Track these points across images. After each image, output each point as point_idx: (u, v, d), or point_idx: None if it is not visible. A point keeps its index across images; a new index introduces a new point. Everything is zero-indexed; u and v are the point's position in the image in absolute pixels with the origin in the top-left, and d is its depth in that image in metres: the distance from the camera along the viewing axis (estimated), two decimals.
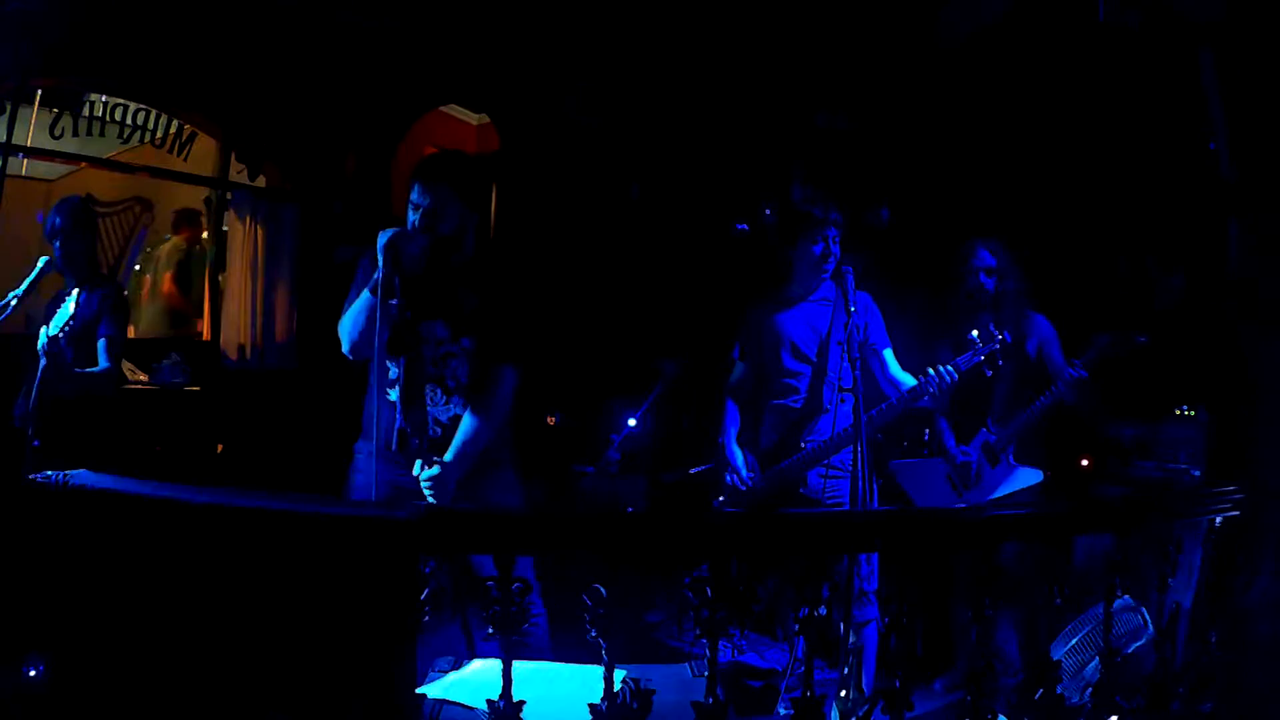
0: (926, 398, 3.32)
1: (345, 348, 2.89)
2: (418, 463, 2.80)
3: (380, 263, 2.66)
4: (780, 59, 5.61)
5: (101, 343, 3.76)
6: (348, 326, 2.87)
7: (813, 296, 3.56)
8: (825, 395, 3.46)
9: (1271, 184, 2.78)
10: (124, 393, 4.03)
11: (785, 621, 3.86)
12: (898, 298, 3.72)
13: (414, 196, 2.85)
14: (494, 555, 1.73)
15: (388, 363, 2.84)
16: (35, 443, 3.48)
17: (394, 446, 2.76)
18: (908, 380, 3.42)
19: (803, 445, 3.46)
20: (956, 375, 3.31)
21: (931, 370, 3.31)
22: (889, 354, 3.52)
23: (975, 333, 3.40)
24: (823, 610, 1.83)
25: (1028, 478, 3.69)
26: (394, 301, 2.68)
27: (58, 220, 3.80)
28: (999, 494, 3.69)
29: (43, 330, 3.46)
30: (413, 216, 2.83)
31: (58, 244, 3.80)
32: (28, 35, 4.94)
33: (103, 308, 3.78)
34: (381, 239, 2.67)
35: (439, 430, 2.87)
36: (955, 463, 3.79)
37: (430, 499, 2.77)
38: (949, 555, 3.06)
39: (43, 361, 3.45)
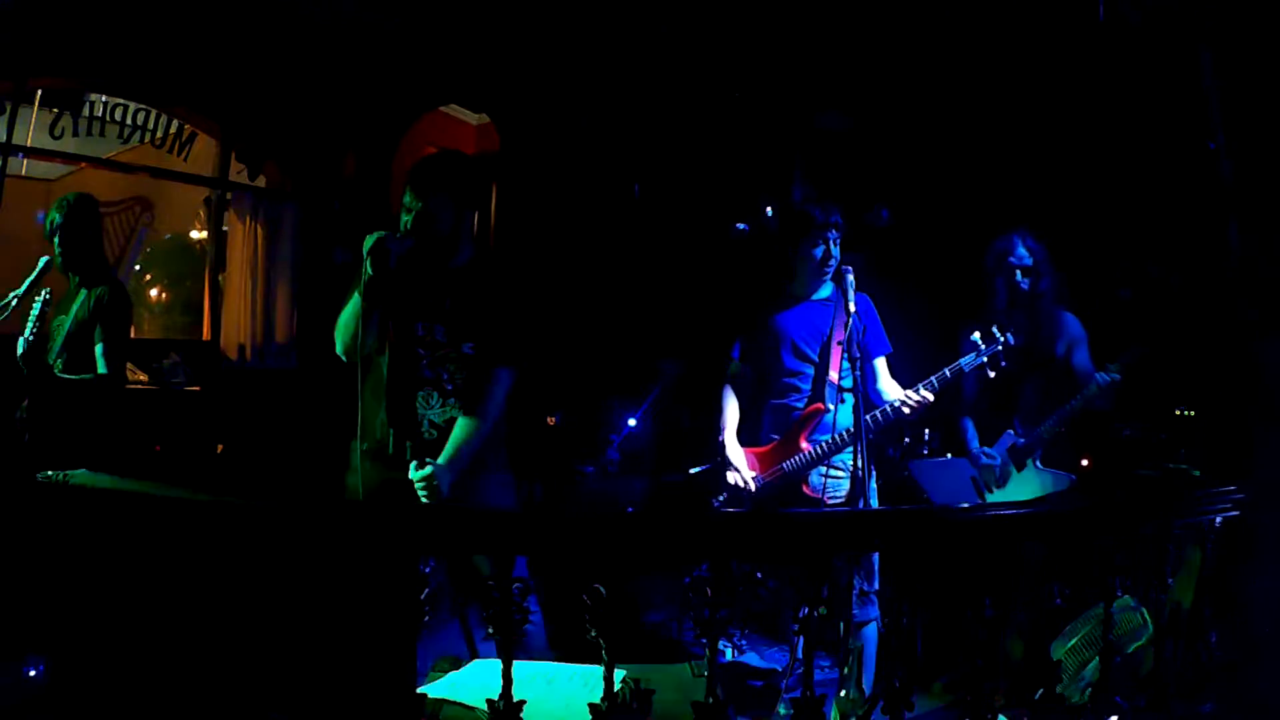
0: (914, 411, 3.31)
1: (339, 349, 2.90)
2: (413, 464, 2.79)
3: (367, 266, 2.66)
4: (780, 58, 5.61)
5: (98, 348, 3.65)
6: (340, 329, 2.88)
7: (815, 297, 3.55)
8: (827, 395, 3.45)
9: (1271, 183, 2.78)
10: (124, 393, 3.99)
11: (785, 621, 3.86)
12: (896, 298, 3.72)
13: (407, 200, 2.86)
14: (493, 555, 1.73)
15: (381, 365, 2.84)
16: (25, 438, 3.50)
17: (390, 449, 2.75)
18: (897, 391, 3.42)
19: (804, 446, 3.45)
20: (944, 383, 3.30)
21: (922, 390, 3.30)
22: (881, 362, 3.52)
23: (977, 334, 3.35)
24: (822, 610, 1.83)
25: (1056, 483, 3.59)
26: (381, 304, 2.68)
27: (56, 217, 3.73)
28: (1026, 499, 3.59)
29: (20, 339, 3.45)
30: (406, 219, 2.84)
31: (56, 241, 3.74)
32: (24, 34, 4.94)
33: (99, 309, 3.68)
34: (367, 243, 2.68)
35: (434, 433, 2.87)
36: (979, 464, 3.73)
37: (423, 499, 2.77)
38: (949, 555, 3.05)
39: (24, 369, 3.46)
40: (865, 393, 3.46)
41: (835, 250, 3.46)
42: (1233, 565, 2.38)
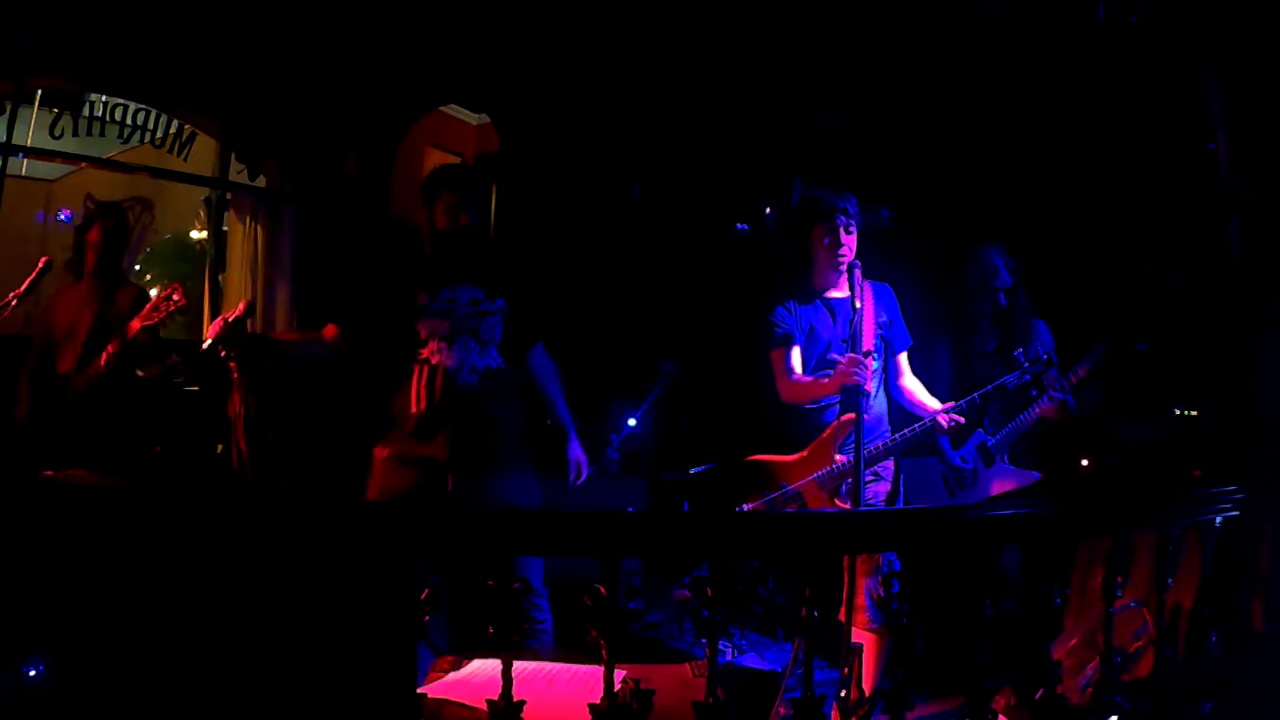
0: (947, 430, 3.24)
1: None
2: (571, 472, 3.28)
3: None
4: (780, 57, 5.61)
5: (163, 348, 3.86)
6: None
7: (832, 291, 3.39)
8: (861, 400, 3.13)
9: (1271, 183, 2.78)
10: (123, 392, 3.98)
11: (786, 622, 3.84)
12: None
13: (454, 198, 3.24)
14: (497, 556, 1.74)
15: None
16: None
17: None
18: (919, 390, 3.35)
19: (837, 458, 3.25)
20: (981, 403, 3.27)
21: (964, 403, 3.22)
22: (903, 357, 3.39)
23: (1020, 350, 3.35)
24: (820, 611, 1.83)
25: (1023, 479, 3.65)
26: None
27: (103, 220, 3.93)
28: (994, 495, 3.67)
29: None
30: (455, 211, 3.23)
31: (101, 243, 3.88)
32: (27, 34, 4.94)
33: (136, 309, 3.83)
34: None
35: (475, 377, 3.06)
36: (952, 464, 3.76)
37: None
38: (953, 555, 3.05)
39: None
40: (888, 388, 3.42)
41: (846, 239, 3.27)
42: (1233, 565, 2.38)
